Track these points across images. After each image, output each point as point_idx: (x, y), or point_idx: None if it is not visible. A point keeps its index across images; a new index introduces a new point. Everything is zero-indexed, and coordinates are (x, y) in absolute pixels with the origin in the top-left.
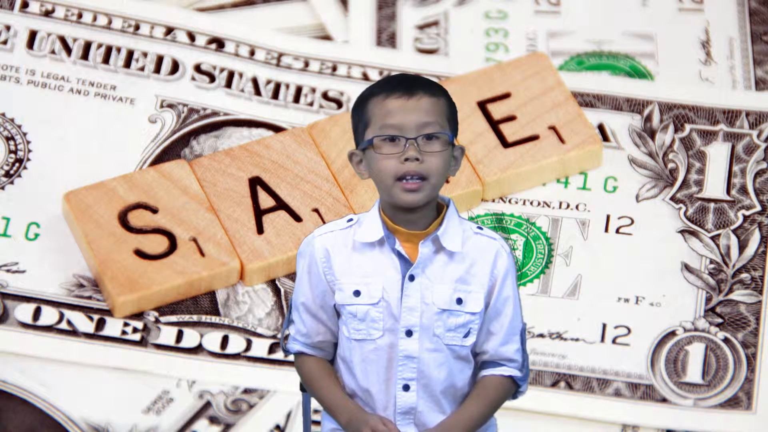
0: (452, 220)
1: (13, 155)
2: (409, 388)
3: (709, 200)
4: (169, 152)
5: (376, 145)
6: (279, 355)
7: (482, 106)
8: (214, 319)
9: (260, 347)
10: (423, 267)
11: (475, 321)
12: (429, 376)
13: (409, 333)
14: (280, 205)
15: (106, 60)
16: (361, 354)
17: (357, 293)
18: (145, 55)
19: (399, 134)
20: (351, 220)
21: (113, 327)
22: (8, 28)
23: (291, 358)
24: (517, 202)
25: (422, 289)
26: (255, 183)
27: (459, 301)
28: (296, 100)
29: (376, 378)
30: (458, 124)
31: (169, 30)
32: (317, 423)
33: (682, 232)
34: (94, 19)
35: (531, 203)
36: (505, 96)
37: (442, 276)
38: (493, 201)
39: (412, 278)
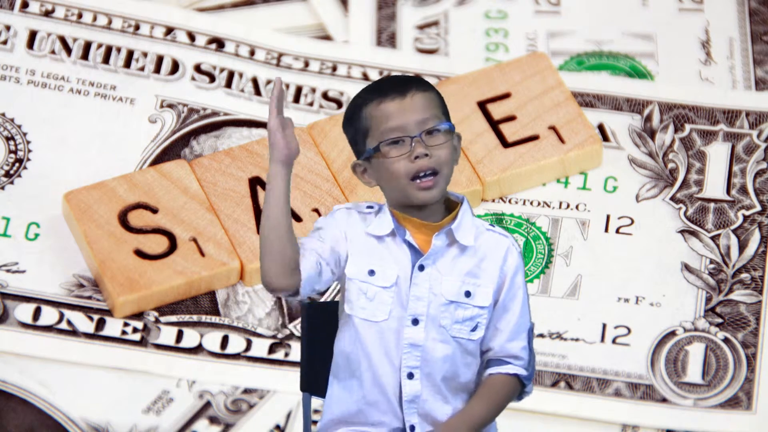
0: (466, 215)
1: (13, 155)
2: (413, 377)
3: (709, 200)
4: (169, 152)
5: (383, 150)
6: (279, 355)
7: (482, 106)
8: (214, 319)
9: (260, 347)
10: (434, 258)
11: (484, 315)
12: (432, 366)
13: (415, 321)
14: None
15: (106, 60)
16: (363, 334)
17: (372, 272)
18: (145, 55)
19: (403, 135)
20: (371, 207)
21: (113, 327)
22: (8, 28)
23: (293, 357)
24: (517, 202)
25: (431, 279)
26: (255, 183)
27: (468, 294)
28: (296, 100)
29: (378, 361)
30: (453, 120)
31: (169, 30)
32: (317, 423)
33: (682, 232)
34: (94, 19)
35: (531, 203)
36: (505, 96)
37: (452, 268)
38: (493, 201)
39: (421, 268)
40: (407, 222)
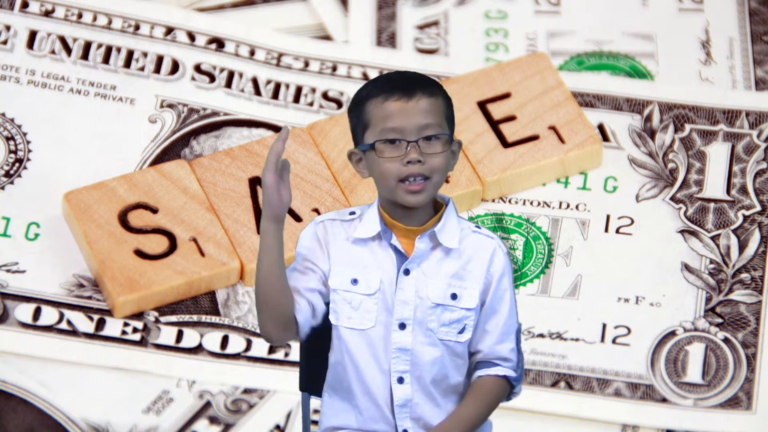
0: (451, 217)
1: (13, 155)
2: (403, 381)
3: (709, 200)
4: (169, 152)
5: (378, 148)
6: (279, 355)
7: (482, 106)
8: (214, 319)
9: (260, 347)
10: (418, 261)
11: (470, 317)
12: (422, 369)
13: (402, 326)
14: None
15: (106, 60)
16: (350, 344)
17: (355, 281)
18: (145, 55)
19: (400, 137)
20: (353, 213)
21: (113, 327)
22: (8, 28)
23: (294, 357)
24: (517, 202)
25: (417, 283)
26: (255, 183)
27: (453, 296)
28: (296, 100)
29: (367, 369)
30: (455, 120)
31: (169, 30)
32: (317, 423)
33: (682, 232)
34: (94, 19)
35: (531, 203)
36: (505, 96)
37: (437, 271)
38: (493, 201)
39: (407, 272)
40: (393, 225)
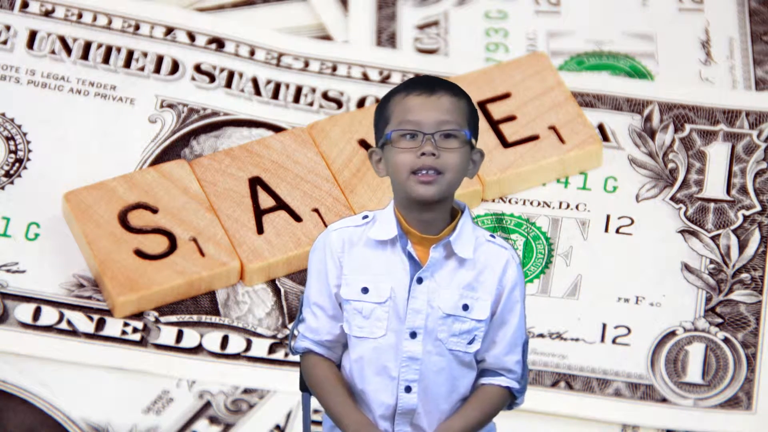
0: (466, 226)
1: (13, 155)
2: (410, 390)
3: (709, 200)
4: (169, 152)
5: (394, 139)
6: (279, 355)
7: (482, 106)
8: (214, 319)
9: (260, 347)
10: (432, 271)
11: (481, 328)
12: (430, 378)
13: (413, 335)
14: (280, 205)
15: (106, 60)
16: (358, 352)
17: (365, 290)
18: (145, 55)
19: (417, 130)
20: (366, 217)
21: (113, 327)
22: (8, 28)
23: (294, 358)
24: (517, 202)
25: (429, 292)
26: (255, 183)
27: (465, 307)
28: (296, 100)
29: (372, 378)
30: (478, 129)
31: (169, 30)
32: (317, 423)
33: (682, 232)
34: (94, 19)
35: (531, 203)
36: (505, 96)
37: (450, 281)
38: (493, 201)
39: (420, 281)
40: (409, 232)
